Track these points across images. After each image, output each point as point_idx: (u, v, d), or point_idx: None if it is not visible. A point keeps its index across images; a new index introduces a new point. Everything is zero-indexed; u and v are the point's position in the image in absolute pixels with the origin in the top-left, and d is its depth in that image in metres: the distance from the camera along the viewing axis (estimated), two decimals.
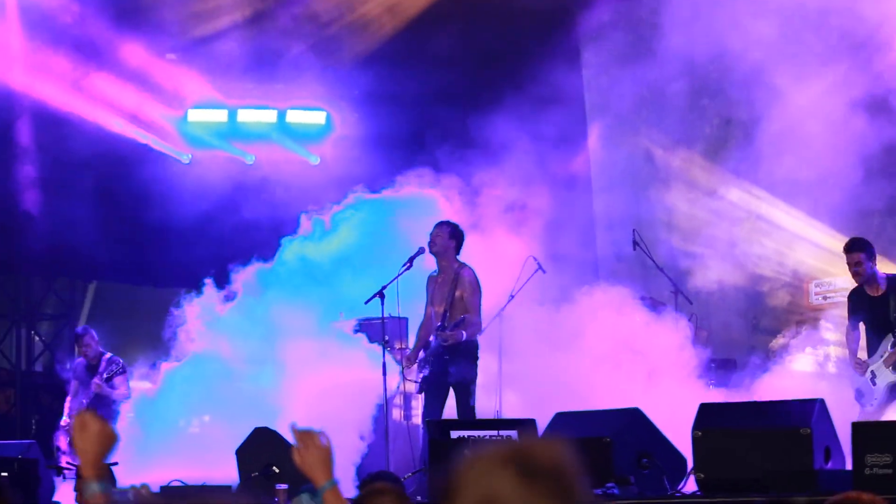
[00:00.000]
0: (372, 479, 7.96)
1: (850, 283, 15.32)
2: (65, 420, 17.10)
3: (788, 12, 17.73)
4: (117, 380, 17.21)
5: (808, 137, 17.65)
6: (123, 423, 16.77)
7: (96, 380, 17.10)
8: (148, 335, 18.16)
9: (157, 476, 13.45)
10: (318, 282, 17.41)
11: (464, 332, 15.08)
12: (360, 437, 15.73)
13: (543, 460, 3.14)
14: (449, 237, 15.70)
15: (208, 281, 17.47)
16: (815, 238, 18.17)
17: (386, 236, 17.49)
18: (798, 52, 17.82)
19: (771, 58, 17.98)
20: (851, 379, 14.55)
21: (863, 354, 14.60)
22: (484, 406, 15.62)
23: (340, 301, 17.03)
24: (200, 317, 17.35)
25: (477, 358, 15.28)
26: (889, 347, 14.24)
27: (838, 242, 16.18)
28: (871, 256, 14.49)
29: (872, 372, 14.29)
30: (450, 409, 15.20)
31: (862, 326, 14.64)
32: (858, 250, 14.47)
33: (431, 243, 15.65)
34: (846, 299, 15.04)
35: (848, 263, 14.59)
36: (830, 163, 17.59)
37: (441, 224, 15.86)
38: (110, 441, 4.84)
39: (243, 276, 17.44)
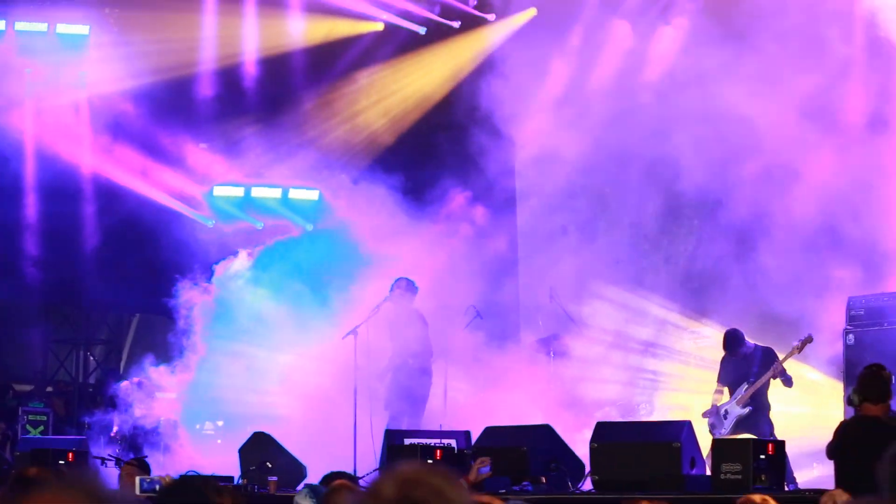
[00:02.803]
0: (331, 477, 7.80)
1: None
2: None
3: None
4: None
5: None
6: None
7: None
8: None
9: (179, 467, 13.35)
10: None
11: None
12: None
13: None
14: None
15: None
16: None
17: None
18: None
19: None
20: (709, 417, 14.67)
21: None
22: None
23: None
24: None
25: None
26: (742, 392, 14.42)
27: None
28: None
29: (726, 410, 14.44)
30: None
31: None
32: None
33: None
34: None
35: None
36: None
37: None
38: None
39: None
